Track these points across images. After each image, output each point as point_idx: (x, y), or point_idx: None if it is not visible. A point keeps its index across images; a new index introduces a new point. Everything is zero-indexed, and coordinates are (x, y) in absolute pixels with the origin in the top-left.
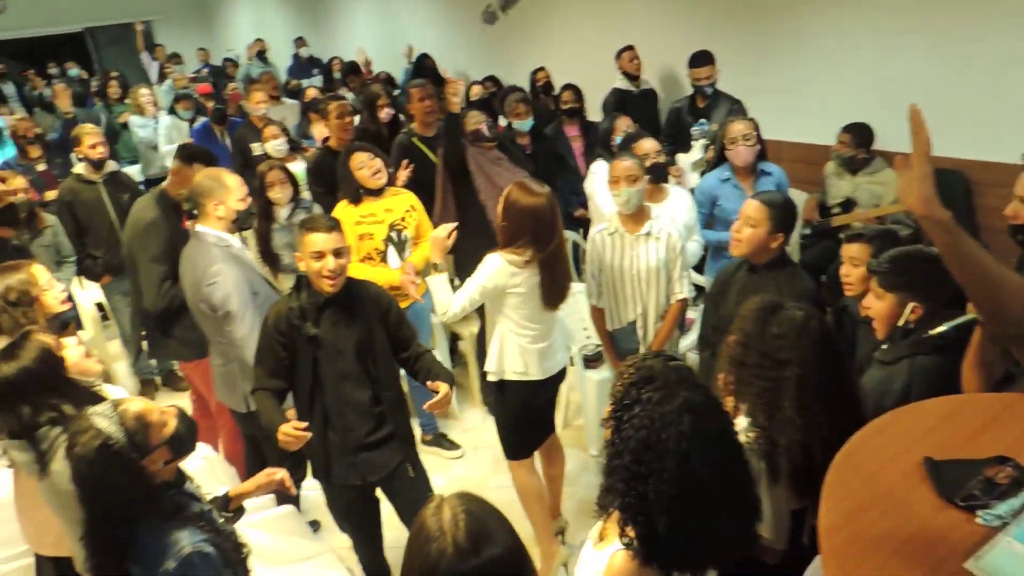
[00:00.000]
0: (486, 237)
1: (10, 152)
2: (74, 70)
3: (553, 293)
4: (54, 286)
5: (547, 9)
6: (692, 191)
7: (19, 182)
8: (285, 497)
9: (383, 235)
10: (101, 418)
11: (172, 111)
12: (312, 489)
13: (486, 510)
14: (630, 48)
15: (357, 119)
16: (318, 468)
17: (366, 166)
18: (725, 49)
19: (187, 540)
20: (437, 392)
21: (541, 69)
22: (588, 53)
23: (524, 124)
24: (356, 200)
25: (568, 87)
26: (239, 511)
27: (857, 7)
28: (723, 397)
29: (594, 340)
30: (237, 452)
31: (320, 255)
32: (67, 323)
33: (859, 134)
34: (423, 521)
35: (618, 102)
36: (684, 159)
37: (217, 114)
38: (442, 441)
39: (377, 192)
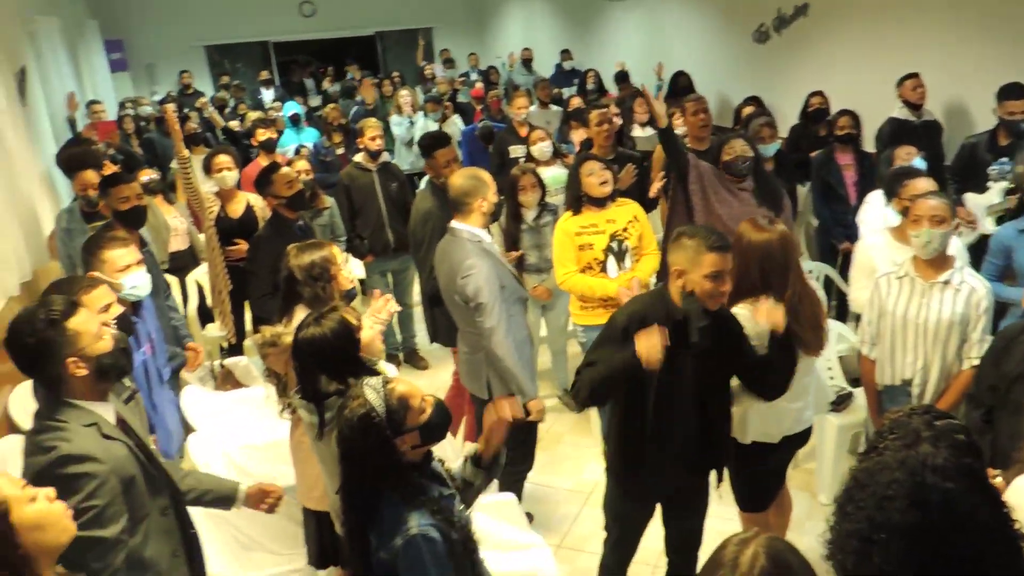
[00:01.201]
0: None
1: (311, 137)
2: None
3: (808, 334)
4: (347, 265)
5: (826, 31)
6: (984, 237)
7: (303, 165)
8: (508, 486)
9: (603, 245)
10: (372, 390)
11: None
12: (534, 483)
13: (795, 563)
14: (914, 76)
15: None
16: (619, 467)
17: (595, 174)
18: None
19: (416, 522)
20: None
21: (818, 94)
22: (865, 79)
23: (768, 149)
24: (577, 209)
25: (845, 112)
26: (495, 463)
27: None
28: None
29: (838, 382)
30: (475, 436)
31: (719, 275)
32: (351, 299)
33: None
34: (724, 546)
35: (894, 132)
36: (976, 200)
37: (484, 130)
38: None
39: (600, 203)
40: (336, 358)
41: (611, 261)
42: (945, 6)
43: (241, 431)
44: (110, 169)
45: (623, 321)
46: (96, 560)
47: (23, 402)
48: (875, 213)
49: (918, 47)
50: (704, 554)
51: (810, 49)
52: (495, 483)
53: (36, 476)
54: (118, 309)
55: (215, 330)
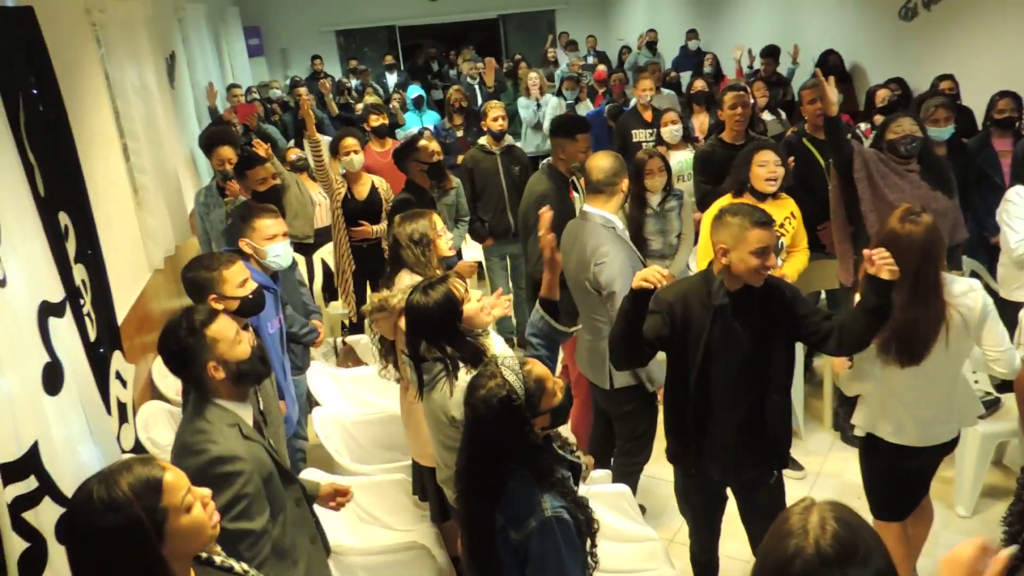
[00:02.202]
0: (858, 245)
1: (434, 119)
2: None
3: (903, 343)
4: (446, 233)
5: (981, 6)
6: None
7: (435, 145)
8: (623, 477)
9: None
10: (510, 371)
11: (559, 93)
12: (648, 476)
13: (861, 525)
14: None
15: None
16: (679, 452)
17: (768, 167)
18: None
19: (549, 504)
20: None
21: (947, 77)
22: (1022, 60)
23: (942, 132)
24: (739, 193)
25: (1006, 94)
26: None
27: None
28: None
29: (983, 386)
30: (584, 424)
31: (765, 251)
32: (450, 266)
33: None
34: (787, 516)
35: None
36: None
37: (613, 109)
38: None
39: (760, 196)
40: (435, 326)
41: None
42: None
43: (361, 407)
44: (261, 148)
45: (670, 299)
46: (247, 550)
47: (167, 371)
48: (1022, 211)
49: None
50: None
51: (962, 27)
52: (608, 473)
53: (191, 479)
54: (253, 285)
55: (338, 308)
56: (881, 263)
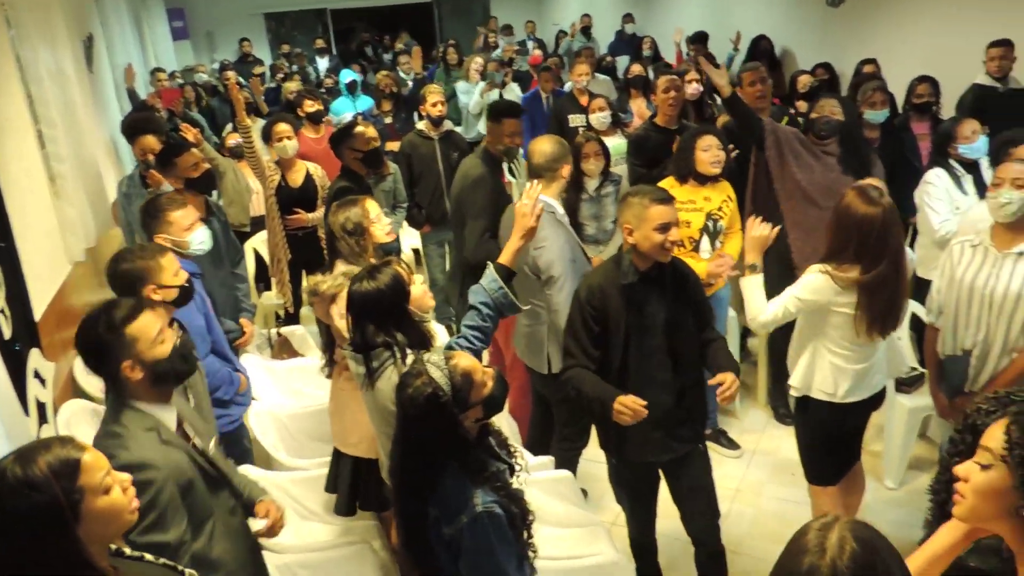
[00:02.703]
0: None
1: (367, 104)
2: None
3: (876, 320)
4: (382, 220)
5: None
6: None
7: (372, 131)
8: (564, 462)
9: (700, 224)
10: (435, 368)
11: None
12: (588, 459)
13: (883, 547)
14: (1004, 43)
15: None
16: (610, 440)
17: (711, 151)
18: None
19: (481, 499)
20: (723, 383)
21: (870, 61)
22: (946, 43)
23: (878, 115)
24: (683, 179)
25: (925, 79)
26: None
27: None
28: None
29: (909, 361)
30: (523, 408)
31: (666, 227)
32: (390, 252)
33: None
34: (806, 531)
35: (978, 100)
36: None
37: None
38: (720, 438)
39: (703, 180)
40: (385, 310)
41: (705, 240)
42: None
43: (297, 400)
44: (190, 132)
45: (585, 296)
46: None
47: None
48: (941, 192)
49: (1008, 10)
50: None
51: (889, 12)
52: (550, 459)
53: None
54: (184, 275)
55: (272, 298)
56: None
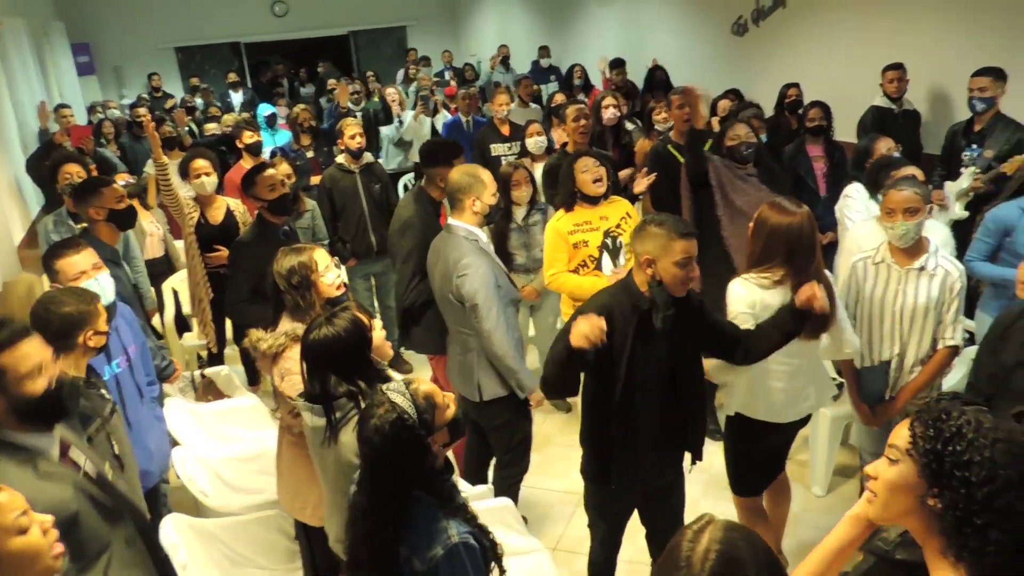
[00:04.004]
0: (719, 250)
1: (284, 138)
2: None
3: (817, 319)
4: (331, 270)
5: (805, 22)
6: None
7: (285, 168)
8: (504, 490)
9: (598, 242)
10: (396, 394)
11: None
12: (527, 486)
13: (746, 551)
14: (897, 67)
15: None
16: (601, 466)
17: (590, 171)
18: (1015, 69)
19: (455, 530)
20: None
21: (794, 86)
22: (844, 69)
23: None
24: (570, 206)
25: (816, 104)
26: None
27: None
28: None
29: (829, 371)
30: (459, 444)
31: (687, 261)
32: (336, 305)
33: None
34: (678, 542)
35: (876, 121)
36: (950, 187)
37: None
38: None
39: (593, 200)
40: (349, 358)
41: (606, 258)
42: None
43: (225, 443)
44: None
45: (590, 310)
46: None
47: None
48: (860, 207)
49: (900, 37)
50: None
51: (789, 40)
52: (489, 488)
53: None
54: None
55: (193, 339)
56: (818, 299)
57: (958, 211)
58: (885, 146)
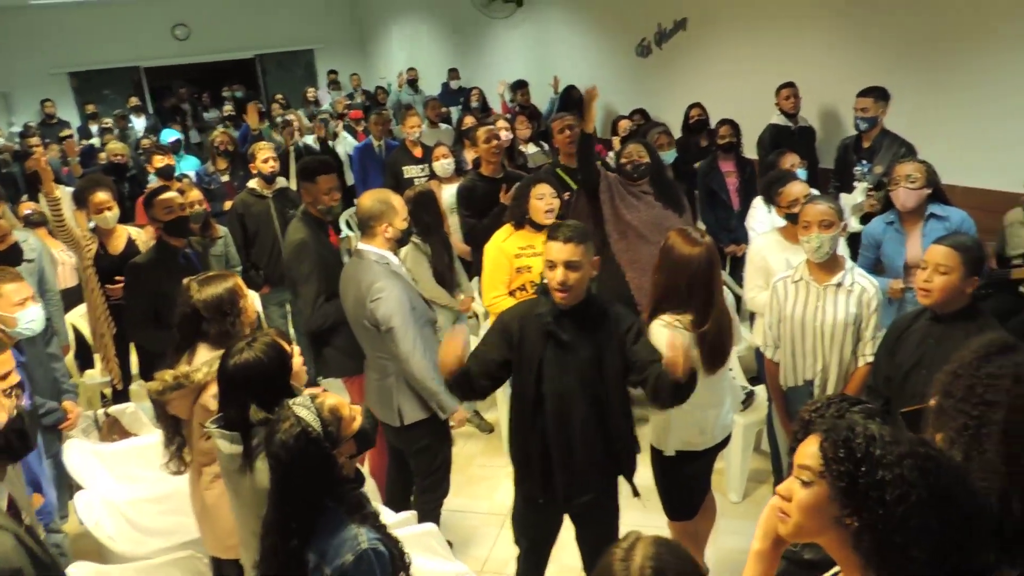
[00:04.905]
0: (605, 265)
1: (192, 164)
2: (239, 92)
3: (713, 354)
4: (250, 293)
5: (704, 44)
6: (853, 235)
7: (195, 194)
8: (426, 515)
9: (540, 268)
10: (301, 408)
11: (348, 129)
12: (449, 509)
13: (675, 565)
14: (790, 85)
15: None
16: (516, 475)
17: (545, 199)
18: (899, 87)
19: (365, 536)
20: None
21: (696, 106)
22: (744, 88)
23: (667, 156)
24: (520, 225)
25: (725, 122)
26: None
27: None
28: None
29: (739, 381)
30: (381, 467)
31: (551, 265)
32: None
33: None
34: (610, 562)
35: (774, 138)
36: (845, 200)
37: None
38: None
39: (539, 226)
40: (269, 384)
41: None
42: (817, 17)
43: (133, 484)
44: None
45: (508, 319)
46: None
47: None
48: (763, 217)
49: (793, 57)
50: None
51: (691, 62)
52: (413, 514)
53: None
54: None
55: (96, 376)
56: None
57: (854, 224)
58: (790, 161)
